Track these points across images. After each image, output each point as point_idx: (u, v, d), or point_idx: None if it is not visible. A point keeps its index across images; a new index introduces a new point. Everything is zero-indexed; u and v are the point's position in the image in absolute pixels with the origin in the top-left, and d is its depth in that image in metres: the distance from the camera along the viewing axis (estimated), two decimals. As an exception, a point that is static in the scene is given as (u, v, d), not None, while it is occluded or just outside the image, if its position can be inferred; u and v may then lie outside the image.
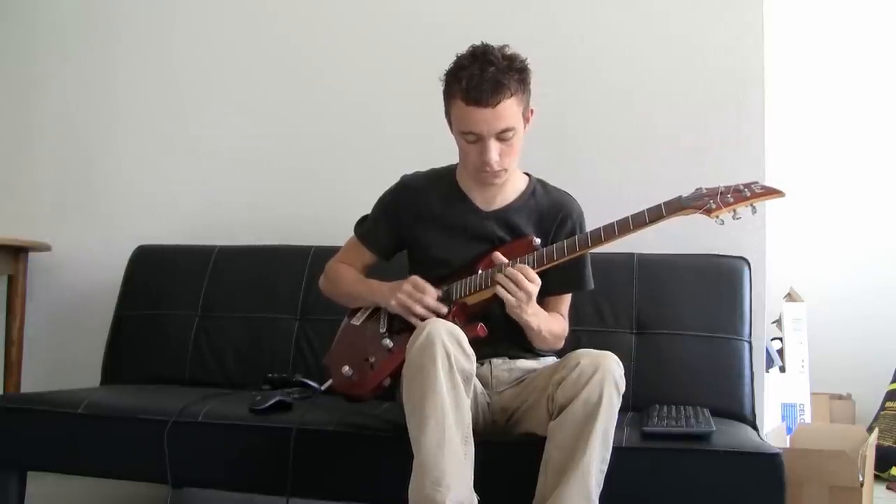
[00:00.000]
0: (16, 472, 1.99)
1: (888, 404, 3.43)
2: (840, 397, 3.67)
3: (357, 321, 1.90)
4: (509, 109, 1.68)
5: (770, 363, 2.79)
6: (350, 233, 2.00)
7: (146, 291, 2.57)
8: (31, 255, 2.81)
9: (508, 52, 1.73)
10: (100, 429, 1.91)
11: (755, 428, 2.00)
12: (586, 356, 1.57)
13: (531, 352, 1.84)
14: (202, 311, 2.49)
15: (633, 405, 1.96)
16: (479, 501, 1.50)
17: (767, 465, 1.57)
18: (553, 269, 1.72)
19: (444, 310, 1.73)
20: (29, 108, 3.02)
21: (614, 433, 1.55)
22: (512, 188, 1.87)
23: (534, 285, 1.66)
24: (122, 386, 2.36)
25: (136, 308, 2.55)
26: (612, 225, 1.65)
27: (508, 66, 1.69)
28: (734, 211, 1.57)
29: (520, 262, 1.70)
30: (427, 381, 1.49)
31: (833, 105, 4.01)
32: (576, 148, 2.47)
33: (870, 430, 2.78)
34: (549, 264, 1.70)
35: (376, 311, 1.87)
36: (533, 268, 1.69)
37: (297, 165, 2.74)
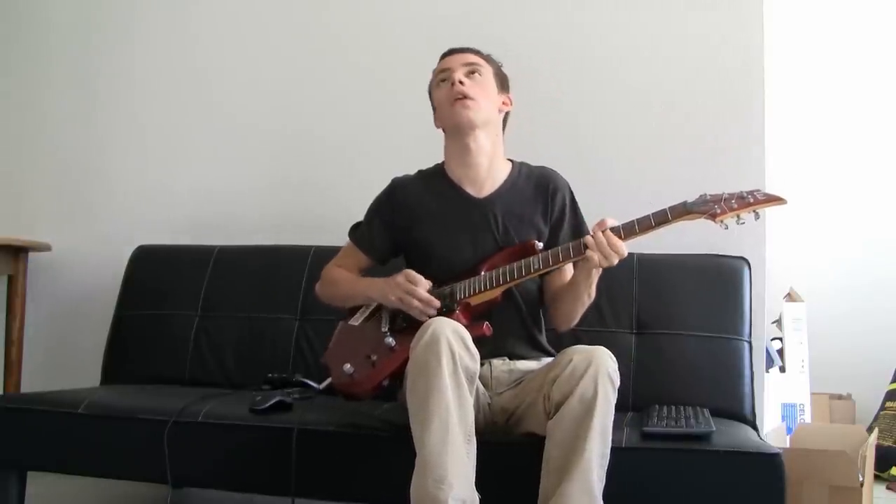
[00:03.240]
0: (16, 471, 1.99)
1: (888, 404, 3.43)
2: (840, 397, 3.67)
3: (356, 321, 1.90)
4: (475, 57, 1.91)
5: (770, 363, 2.79)
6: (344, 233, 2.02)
7: (146, 291, 2.57)
8: (31, 255, 2.81)
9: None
10: (100, 429, 1.91)
11: (755, 428, 2.00)
12: (579, 352, 1.58)
13: (536, 349, 1.87)
14: (202, 310, 2.49)
15: (633, 405, 1.96)
16: (480, 500, 1.50)
17: (767, 465, 1.57)
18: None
19: (437, 303, 1.74)
20: (29, 108, 3.02)
21: (614, 433, 1.55)
22: (499, 174, 1.92)
23: (616, 255, 1.66)
24: (122, 386, 2.36)
25: (136, 308, 2.55)
26: (617, 228, 1.67)
27: (479, 50, 1.94)
28: (738, 216, 1.61)
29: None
30: (431, 380, 1.49)
31: (833, 105, 4.01)
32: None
33: (870, 429, 2.78)
34: (556, 265, 1.73)
35: (376, 312, 1.88)
36: (539, 269, 1.73)
37: (297, 166, 2.74)
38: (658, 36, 2.47)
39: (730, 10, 2.40)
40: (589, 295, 1.80)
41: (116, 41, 2.96)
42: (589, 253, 1.66)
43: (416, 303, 1.73)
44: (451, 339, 1.51)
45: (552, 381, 1.58)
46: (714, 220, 1.61)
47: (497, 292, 1.75)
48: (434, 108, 1.97)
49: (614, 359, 1.58)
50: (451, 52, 1.94)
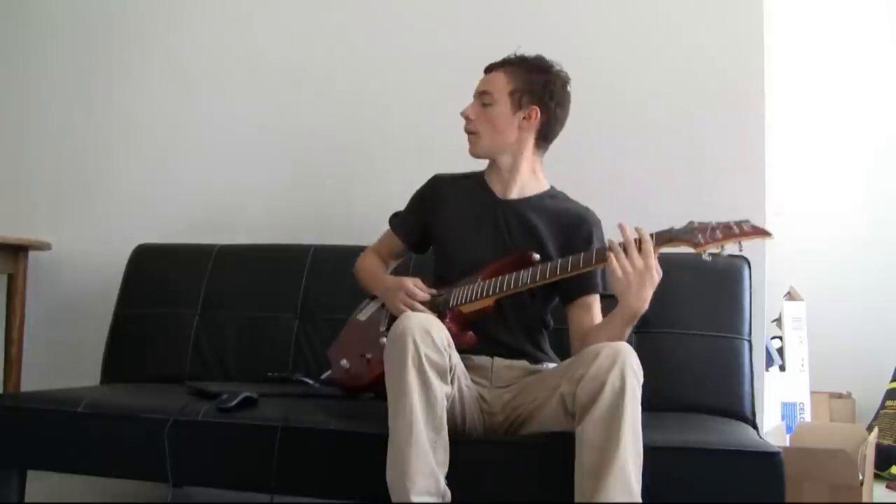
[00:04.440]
0: (16, 470, 1.98)
1: (888, 403, 3.43)
2: (840, 396, 3.66)
3: (363, 316, 1.98)
4: (495, 80, 1.89)
5: (770, 362, 2.79)
6: (349, 233, 2.03)
7: (146, 291, 2.57)
8: (32, 253, 2.81)
9: (543, 57, 1.91)
10: (100, 427, 1.91)
11: (755, 427, 2.00)
12: (604, 348, 1.55)
13: (528, 356, 1.86)
14: (202, 310, 2.49)
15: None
16: (450, 494, 1.53)
17: (767, 464, 1.57)
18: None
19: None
20: (29, 107, 3.02)
21: None
22: (532, 186, 1.95)
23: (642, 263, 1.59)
24: (121, 385, 2.36)
25: (135, 307, 2.55)
26: (602, 248, 1.67)
27: (523, 58, 1.90)
28: (722, 247, 1.57)
29: (522, 275, 1.73)
30: (397, 380, 1.53)
31: (833, 105, 4.01)
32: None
33: (870, 428, 2.79)
34: (552, 278, 1.71)
35: (382, 309, 1.93)
36: (535, 282, 1.72)
37: (297, 165, 2.74)
38: (658, 36, 2.47)
39: (730, 11, 2.40)
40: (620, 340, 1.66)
41: (117, 39, 2.96)
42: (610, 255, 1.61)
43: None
44: (416, 336, 1.52)
45: (576, 380, 1.55)
46: (695, 250, 1.58)
47: (489, 301, 1.77)
48: None
49: (635, 354, 1.55)
50: (485, 70, 1.95)
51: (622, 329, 1.69)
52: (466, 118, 1.91)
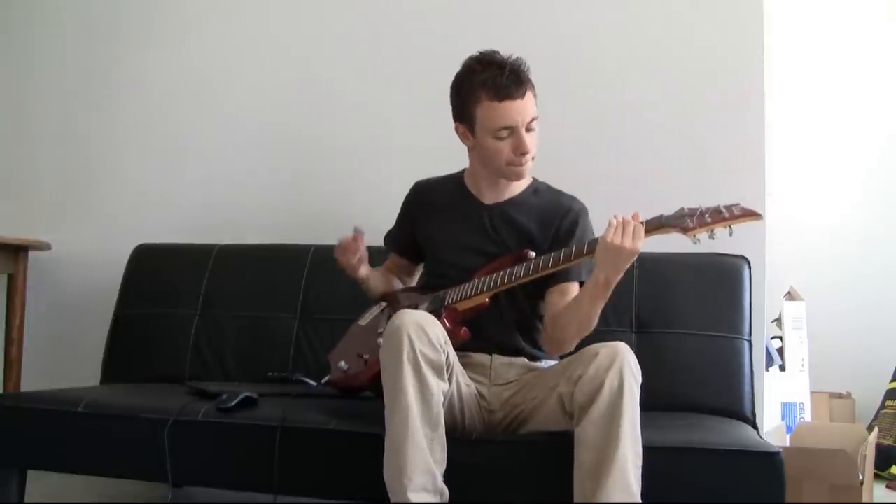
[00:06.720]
0: (16, 470, 1.99)
1: (888, 403, 3.43)
2: (840, 396, 3.66)
3: (363, 322, 2.00)
4: (531, 100, 1.79)
5: (770, 362, 2.79)
6: (348, 233, 2.03)
7: (146, 290, 2.57)
8: (32, 253, 2.81)
9: (507, 54, 1.80)
10: (99, 427, 1.91)
11: (755, 427, 2.00)
12: (602, 348, 1.56)
13: (525, 353, 1.86)
14: (202, 310, 2.50)
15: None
16: (448, 492, 1.55)
17: (767, 464, 1.57)
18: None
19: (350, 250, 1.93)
20: (29, 106, 3.02)
21: None
22: (516, 187, 1.93)
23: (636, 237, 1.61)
24: (121, 385, 2.36)
25: (135, 307, 2.55)
26: (595, 240, 1.67)
27: (517, 63, 1.78)
28: (711, 231, 1.58)
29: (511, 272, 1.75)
30: (393, 376, 1.54)
31: (832, 104, 4.01)
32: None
33: (870, 428, 2.79)
34: (545, 272, 1.72)
35: (381, 313, 1.95)
36: (528, 275, 1.72)
37: (297, 165, 2.74)
38: (657, 36, 2.47)
39: (730, 11, 2.40)
40: (589, 317, 1.72)
41: (119, 40, 2.95)
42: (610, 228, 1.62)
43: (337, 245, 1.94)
44: (411, 332, 1.54)
45: (574, 380, 1.56)
46: (685, 234, 1.59)
47: (483, 298, 1.77)
48: (462, 114, 1.84)
49: (633, 353, 1.57)
50: (515, 95, 1.75)
51: (593, 298, 1.68)
52: (528, 153, 1.79)
